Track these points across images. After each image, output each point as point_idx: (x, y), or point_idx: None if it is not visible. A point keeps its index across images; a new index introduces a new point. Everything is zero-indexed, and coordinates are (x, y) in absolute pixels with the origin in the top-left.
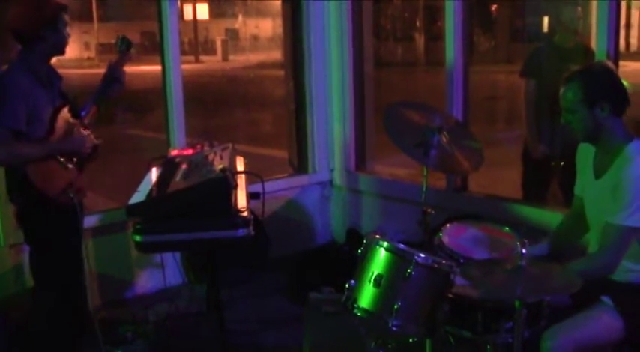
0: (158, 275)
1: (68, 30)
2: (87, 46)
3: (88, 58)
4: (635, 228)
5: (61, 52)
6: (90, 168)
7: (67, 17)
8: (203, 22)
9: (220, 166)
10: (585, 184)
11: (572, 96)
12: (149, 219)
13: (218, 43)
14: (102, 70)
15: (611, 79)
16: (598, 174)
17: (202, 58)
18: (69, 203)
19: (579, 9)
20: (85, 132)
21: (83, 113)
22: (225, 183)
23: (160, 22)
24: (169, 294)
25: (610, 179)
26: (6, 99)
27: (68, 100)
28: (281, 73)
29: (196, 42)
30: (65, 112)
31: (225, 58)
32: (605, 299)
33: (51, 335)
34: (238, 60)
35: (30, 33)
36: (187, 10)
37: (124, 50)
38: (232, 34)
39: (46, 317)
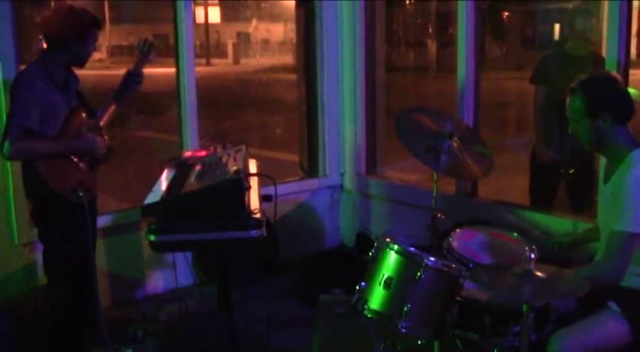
0: (169, 275)
1: (95, 45)
2: (98, 47)
3: (100, 60)
4: (637, 234)
5: (80, 63)
6: (102, 169)
7: (98, 33)
8: (214, 25)
9: (234, 168)
10: (598, 189)
11: (576, 108)
12: (164, 219)
13: (229, 46)
14: (113, 72)
15: (613, 89)
16: (606, 179)
17: (214, 60)
18: (78, 202)
19: (591, 16)
20: (98, 135)
21: (99, 113)
22: (239, 184)
23: (175, 25)
24: (180, 294)
25: (612, 185)
26: (20, 98)
27: (84, 102)
28: (292, 76)
29: (208, 45)
30: (81, 113)
31: (236, 61)
32: (612, 304)
33: (61, 333)
34: (249, 63)
35: (58, 38)
36: (199, 13)
37: (145, 52)
38: (244, 38)
39: (57, 315)
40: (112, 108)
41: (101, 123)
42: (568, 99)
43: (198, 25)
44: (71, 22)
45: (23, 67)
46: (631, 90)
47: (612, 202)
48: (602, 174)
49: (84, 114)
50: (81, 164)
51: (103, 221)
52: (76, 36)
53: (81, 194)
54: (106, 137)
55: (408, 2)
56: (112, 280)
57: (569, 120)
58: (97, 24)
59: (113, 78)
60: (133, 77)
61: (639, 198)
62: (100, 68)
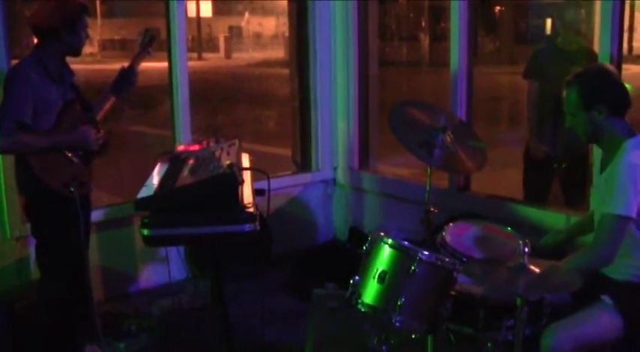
0: (162, 269)
1: (87, 32)
2: (90, 41)
3: (91, 54)
4: (627, 217)
5: (76, 52)
6: (94, 163)
7: (87, 19)
8: (206, 19)
9: (228, 162)
10: (594, 180)
11: (572, 101)
12: (157, 213)
13: (221, 41)
14: (104, 66)
15: (607, 81)
16: (602, 169)
17: (205, 55)
18: (70, 196)
19: (582, 11)
20: (93, 129)
21: (95, 107)
22: (233, 178)
23: (168, 19)
24: (173, 289)
25: (607, 172)
26: (14, 92)
27: (80, 95)
28: (284, 70)
29: (200, 39)
30: (75, 107)
31: (228, 56)
32: (605, 298)
33: (54, 327)
34: (241, 57)
35: (48, 30)
36: (191, 7)
37: (145, 44)
38: (236, 32)
39: (50, 310)
40: (111, 101)
41: (98, 118)
42: (564, 93)
43: (190, 19)
44: (59, 11)
45: (15, 61)
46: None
47: (606, 188)
48: (597, 165)
49: (79, 108)
50: (74, 158)
51: (95, 215)
52: (66, 24)
53: (72, 188)
54: (102, 130)
55: None
56: (105, 274)
57: (564, 114)
58: (85, 9)
59: (105, 72)
60: (127, 76)
61: (631, 182)
62: (91, 62)
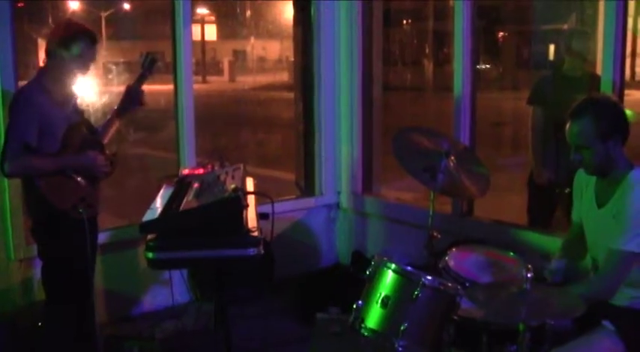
0: (165, 292)
1: (89, 59)
2: (95, 64)
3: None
4: (636, 253)
5: (78, 73)
6: (98, 185)
7: (91, 46)
8: (210, 42)
9: (232, 186)
10: (586, 212)
11: (586, 132)
12: (162, 237)
13: (225, 64)
14: (108, 88)
15: (620, 110)
16: (600, 202)
17: (209, 78)
18: (79, 218)
19: (587, 37)
20: (100, 152)
21: (100, 129)
22: (238, 202)
23: (174, 43)
24: (176, 312)
25: (613, 207)
26: (19, 115)
27: (84, 118)
28: (288, 94)
29: (204, 62)
30: (81, 129)
31: (232, 79)
32: (607, 323)
33: (58, 349)
34: (245, 81)
35: (48, 50)
36: (196, 30)
37: (146, 66)
38: (240, 56)
39: (54, 331)
40: (115, 124)
41: (104, 141)
42: (570, 125)
43: (195, 42)
44: (59, 33)
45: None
46: (627, 112)
47: (614, 223)
48: (589, 198)
49: (84, 131)
50: (82, 180)
51: (99, 238)
52: (62, 45)
53: (81, 210)
54: (108, 152)
55: (405, 22)
56: (109, 297)
57: (571, 146)
58: (87, 34)
59: (110, 94)
60: (132, 94)
61: None
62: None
